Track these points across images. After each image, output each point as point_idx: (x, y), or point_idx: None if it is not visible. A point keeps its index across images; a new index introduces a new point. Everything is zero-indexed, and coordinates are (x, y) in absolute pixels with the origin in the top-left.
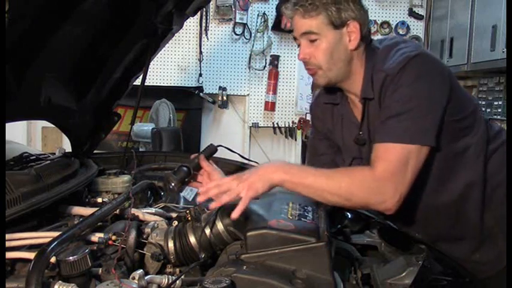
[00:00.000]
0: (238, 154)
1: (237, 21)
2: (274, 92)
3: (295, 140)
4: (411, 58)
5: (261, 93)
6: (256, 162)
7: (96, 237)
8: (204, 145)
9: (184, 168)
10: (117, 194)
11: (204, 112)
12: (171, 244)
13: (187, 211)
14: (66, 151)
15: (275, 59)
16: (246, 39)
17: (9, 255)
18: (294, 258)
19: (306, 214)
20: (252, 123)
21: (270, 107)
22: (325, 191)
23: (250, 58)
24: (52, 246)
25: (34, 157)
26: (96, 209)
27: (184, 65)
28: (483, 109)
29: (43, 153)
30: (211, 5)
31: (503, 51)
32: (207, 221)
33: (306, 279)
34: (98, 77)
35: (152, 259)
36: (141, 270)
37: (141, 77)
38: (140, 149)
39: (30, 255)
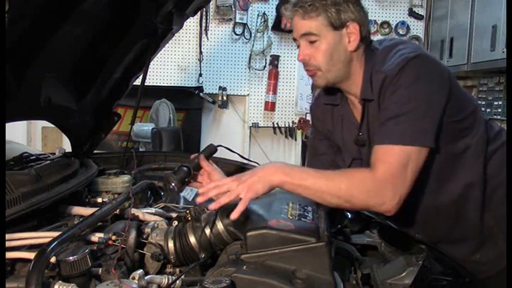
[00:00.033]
0: (238, 154)
1: (237, 21)
2: (274, 92)
3: (295, 140)
4: (410, 59)
5: (261, 93)
6: (256, 162)
7: (96, 237)
8: (204, 145)
9: (185, 168)
10: (117, 194)
11: (204, 112)
12: (171, 244)
13: (187, 211)
14: (66, 151)
15: (275, 59)
16: (246, 39)
17: (9, 255)
18: (294, 258)
19: (306, 214)
20: (252, 123)
21: (270, 107)
22: (325, 193)
23: (250, 58)
24: (52, 246)
25: (34, 157)
26: (96, 209)
27: (184, 65)
28: (483, 109)
29: (43, 153)
30: (211, 5)
31: (503, 51)
32: (207, 221)
33: (306, 279)
34: (98, 77)
35: (152, 259)
36: (141, 270)
37: (141, 77)
38: (140, 149)
39: (30, 255)
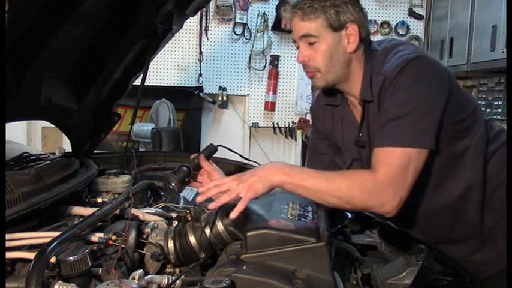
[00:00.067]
0: (238, 154)
1: (237, 21)
2: (274, 92)
3: (295, 140)
4: (410, 61)
5: (261, 93)
6: (257, 162)
7: (96, 237)
8: (204, 145)
9: (185, 168)
10: (117, 194)
11: (204, 112)
12: (171, 244)
13: (187, 211)
14: (66, 151)
15: (275, 59)
16: (246, 39)
17: (9, 255)
18: (294, 258)
19: (306, 214)
20: (252, 123)
21: (270, 107)
22: (325, 193)
23: (250, 58)
24: (52, 246)
25: (34, 157)
26: (96, 209)
27: (184, 65)
28: (483, 109)
29: (43, 153)
30: (211, 5)
31: (503, 51)
32: (207, 221)
33: (306, 279)
34: (98, 77)
35: (152, 259)
36: (141, 270)
37: (141, 77)
38: (140, 149)
39: (30, 255)
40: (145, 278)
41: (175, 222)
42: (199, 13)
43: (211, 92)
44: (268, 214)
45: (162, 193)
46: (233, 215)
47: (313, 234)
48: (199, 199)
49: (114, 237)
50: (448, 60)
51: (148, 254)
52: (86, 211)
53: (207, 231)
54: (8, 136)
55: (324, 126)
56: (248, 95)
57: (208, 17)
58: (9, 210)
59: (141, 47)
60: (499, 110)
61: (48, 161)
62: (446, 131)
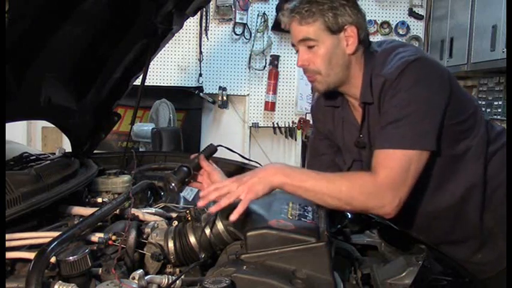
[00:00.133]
0: (238, 154)
1: (237, 21)
2: (274, 92)
3: (295, 140)
4: (410, 62)
5: (261, 93)
6: (257, 162)
7: (96, 237)
8: (204, 145)
9: (185, 169)
10: (117, 194)
11: (204, 112)
12: (171, 244)
13: (187, 211)
14: (66, 151)
15: (275, 59)
16: (246, 39)
17: (9, 255)
18: (294, 258)
19: (306, 214)
20: (252, 123)
21: (270, 107)
22: (325, 195)
23: (250, 58)
24: (52, 246)
25: (34, 157)
26: (96, 209)
27: (184, 65)
28: (483, 109)
29: (43, 153)
30: (211, 5)
31: (503, 51)
32: (207, 221)
33: (306, 279)
34: (98, 77)
35: (152, 259)
36: (141, 270)
37: (141, 77)
38: (140, 149)
39: (30, 255)
40: (145, 278)
41: (175, 222)
42: (199, 13)
43: (211, 92)
44: (268, 214)
45: (162, 193)
46: (233, 217)
47: (313, 234)
48: (200, 204)
49: (114, 237)
50: (448, 60)
51: (148, 254)
52: (86, 211)
53: (207, 231)
54: (8, 136)
55: (324, 126)
56: (248, 95)
57: (208, 17)
58: (9, 210)
59: (141, 47)
60: (499, 110)
61: (48, 161)
62: (447, 132)
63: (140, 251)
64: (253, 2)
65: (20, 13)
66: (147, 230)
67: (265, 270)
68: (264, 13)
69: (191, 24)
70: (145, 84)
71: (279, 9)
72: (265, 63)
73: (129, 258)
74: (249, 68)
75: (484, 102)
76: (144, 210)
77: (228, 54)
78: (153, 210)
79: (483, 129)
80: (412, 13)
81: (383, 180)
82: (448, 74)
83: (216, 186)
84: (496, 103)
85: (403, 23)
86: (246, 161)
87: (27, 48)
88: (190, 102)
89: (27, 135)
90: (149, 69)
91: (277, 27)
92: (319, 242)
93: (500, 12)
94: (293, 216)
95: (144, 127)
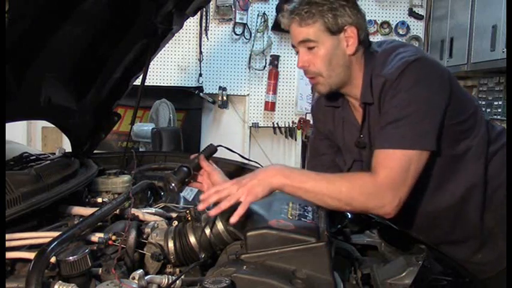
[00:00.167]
0: (238, 154)
1: (237, 21)
2: (274, 92)
3: (295, 140)
4: (410, 63)
5: (261, 93)
6: (257, 162)
7: (96, 237)
8: (204, 145)
9: (185, 169)
10: (117, 194)
11: (204, 112)
12: (171, 244)
13: (187, 211)
14: (66, 151)
15: (275, 59)
16: (246, 39)
17: (9, 255)
18: (294, 258)
19: (306, 214)
20: (252, 123)
21: (270, 107)
22: (325, 195)
23: (250, 58)
24: (52, 246)
25: (34, 157)
26: (96, 209)
27: (184, 65)
28: (483, 109)
29: (43, 153)
30: (211, 5)
31: (503, 51)
32: (207, 221)
33: (306, 279)
34: (98, 77)
35: (152, 259)
36: (141, 270)
37: (141, 77)
38: (140, 149)
39: (30, 255)
40: (145, 278)
41: (175, 222)
42: (199, 13)
43: (211, 92)
44: (268, 214)
45: (162, 193)
46: (233, 219)
47: (313, 234)
48: (200, 208)
49: (114, 237)
50: (448, 60)
51: (148, 254)
52: (86, 211)
53: (207, 231)
54: (8, 136)
55: (324, 127)
56: (248, 95)
57: (208, 17)
58: (9, 210)
59: (141, 47)
60: (499, 110)
61: (48, 161)
62: (447, 132)
63: (140, 251)
64: (253, 2)
65: (20, 13)
66: (147, 230)
67: (265, 270)
68: (264, 13)
69: (191, 24)
70: (145, 84)
71: (279, 9)
72: (265, 63)
73: (129, 258)
74: (249, 68)
75: (484, 102)
76: (144, 210)
77: (228, 54)
78: (153, 210)
79: (483, 129)
80: (412, 13)
81: (383, 180)
82: (448, 74)
83: (216, 189)
84: (496, 103)
85: (403, 23)
86: (246, 161)
87: (27, 48)
88: (190, 102)
89: (27, 135)
90: (149, 69)
91: (277, 27)
92: (319, 242)
93: (500, 12)
94: (293, 216)
95: (144, 127)
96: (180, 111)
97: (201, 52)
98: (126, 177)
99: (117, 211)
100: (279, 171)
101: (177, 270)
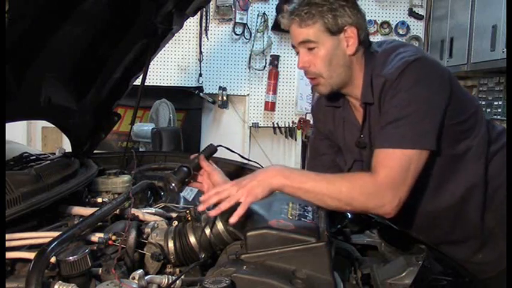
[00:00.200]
0: (238, 154)
1: (237, 21)
2: (274, 92)
3: (295, 140)
4: (410, 63)
5: (261, 93)
6: (257, 162)
7: (96, 237)
8: (204, 145)
9: (185, 169)
10: (117, 194)
11: (204, 112)
12: (171, 244)
13: (187, 211)
14: (66, 151)
15: (275, 59)
16: (246, 39)
17: (9, 255)
18: (294, 258)
19: (306, 214)
20: (252, 123)
21: (270, 107)
22: (325, 196)
23: (250, 58)
24: (52, 246)
25: (34, 157)
26: (96, 209)
27: (184, 65)
28: (483, 109)
29: (43, 153)
30: (211, 5)
31: (503, 51)
32: (207, 221)
33: (306, 279)
34: (98, 77)
35: (152, 259)
36: (141, 270)
37: (141, 77)
38: (140, 149)
39: (30, 255)
40: (145, 278)
41: (175, 222)
42: (199, 13)
43: (211, 92)
44: (268, 214)
45: (162, 193)
46: (233, 220)
47: (313, 234)
48: (200, 209)
49: (114, 237)
50: (448, 60)
51: (148, 254)
52: (86, 211)
53: (207, 231)
54: (8, 136)
55: (325, 127)
56: (248, 95)
57: (208, 17)
58: (9, 210)
59: (141, 47)
60: (499, 110)
61: (48, 161)
62: (447, 132)
63: (140, 251)
64: (253, 2)
65: (20, 13)
66: (147, 230)
67: (265, 270)
68: (264, 13)
69: (191, 24)
70: (145, 84)
71: (278, 9)
72: (265, 63)
73: (129, 258)
74: (249, 68)
75: (484, 102)
76: (144, 210)
77: (228, 54)
78: (153, 210)
79: (484, 129)
80: (412, 13)
81: (383, 180)
82: (448, 73)
83: (216, 191)
84: (496, 103)
85: (403, 23)
86: (246, 161)
87: (27, 48)
88: (190, 102)
89: (27, 135)
90: (149, 69)
91: (277, 27)
92: (319, 242)
93: (500, 12)
94: (293, 216)
95: (144, 127)
96: (180, 111)
97: (201, 52)
98: (126, 177)
99: (117, 211)
100: (278, 171)
101: (177, 270)
